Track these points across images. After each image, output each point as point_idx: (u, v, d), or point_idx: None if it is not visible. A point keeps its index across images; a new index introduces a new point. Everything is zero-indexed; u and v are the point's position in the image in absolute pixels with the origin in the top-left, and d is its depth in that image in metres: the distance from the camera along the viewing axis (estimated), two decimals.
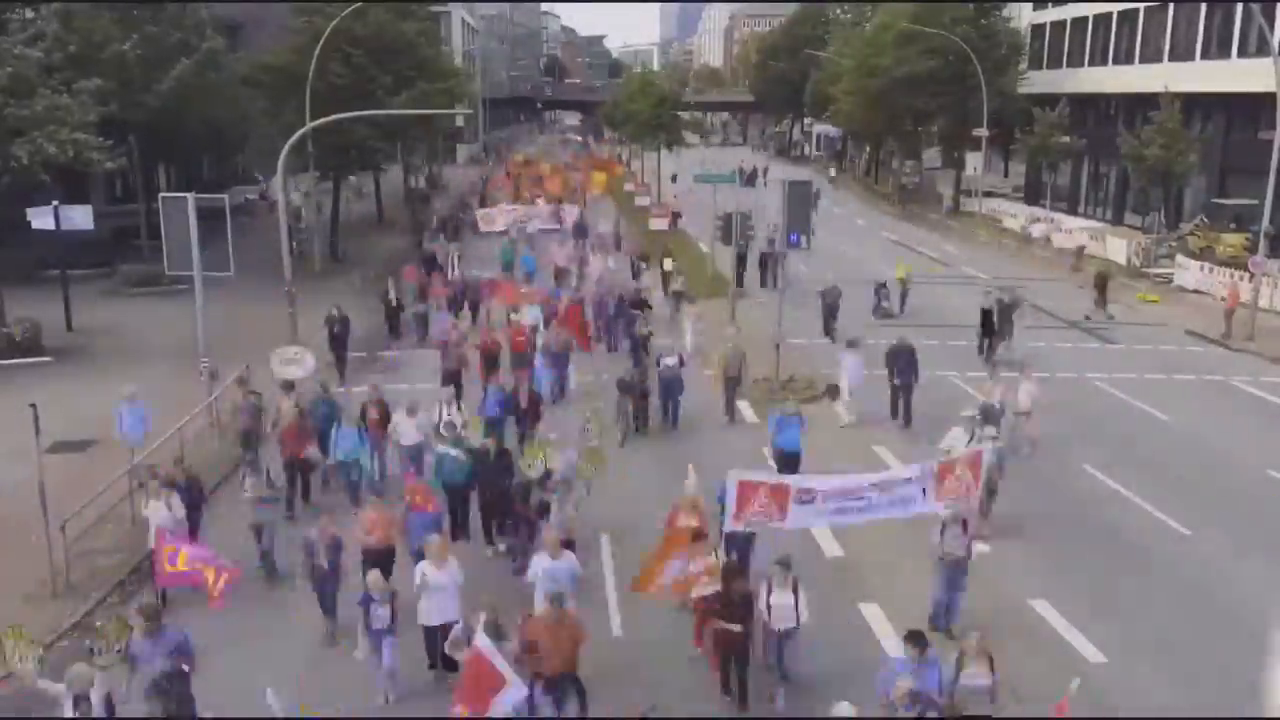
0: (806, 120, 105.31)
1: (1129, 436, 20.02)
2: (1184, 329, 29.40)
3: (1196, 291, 34.66)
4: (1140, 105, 44.54)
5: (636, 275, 33.62)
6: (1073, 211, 53.14)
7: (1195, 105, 42.43)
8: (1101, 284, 31.08)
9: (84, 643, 11.26)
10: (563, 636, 10.33)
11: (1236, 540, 15.43)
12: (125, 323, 28.74)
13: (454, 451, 15.02)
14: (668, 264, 33.05)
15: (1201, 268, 35.37)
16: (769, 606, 11.08)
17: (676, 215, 47.49)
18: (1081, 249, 40.89)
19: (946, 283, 36.64)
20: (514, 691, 9.50)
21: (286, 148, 24.42)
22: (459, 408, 17.34)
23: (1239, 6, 39.14)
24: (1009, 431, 17.83)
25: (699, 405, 21.47)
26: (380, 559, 12.60)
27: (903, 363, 20.70)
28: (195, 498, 14.43)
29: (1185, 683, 11.66)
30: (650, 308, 26.91)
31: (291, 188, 35.99)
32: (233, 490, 16.04)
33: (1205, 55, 43.02)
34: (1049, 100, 50.41)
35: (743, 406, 21.75)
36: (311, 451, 16.39)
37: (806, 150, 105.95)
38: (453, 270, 32.89)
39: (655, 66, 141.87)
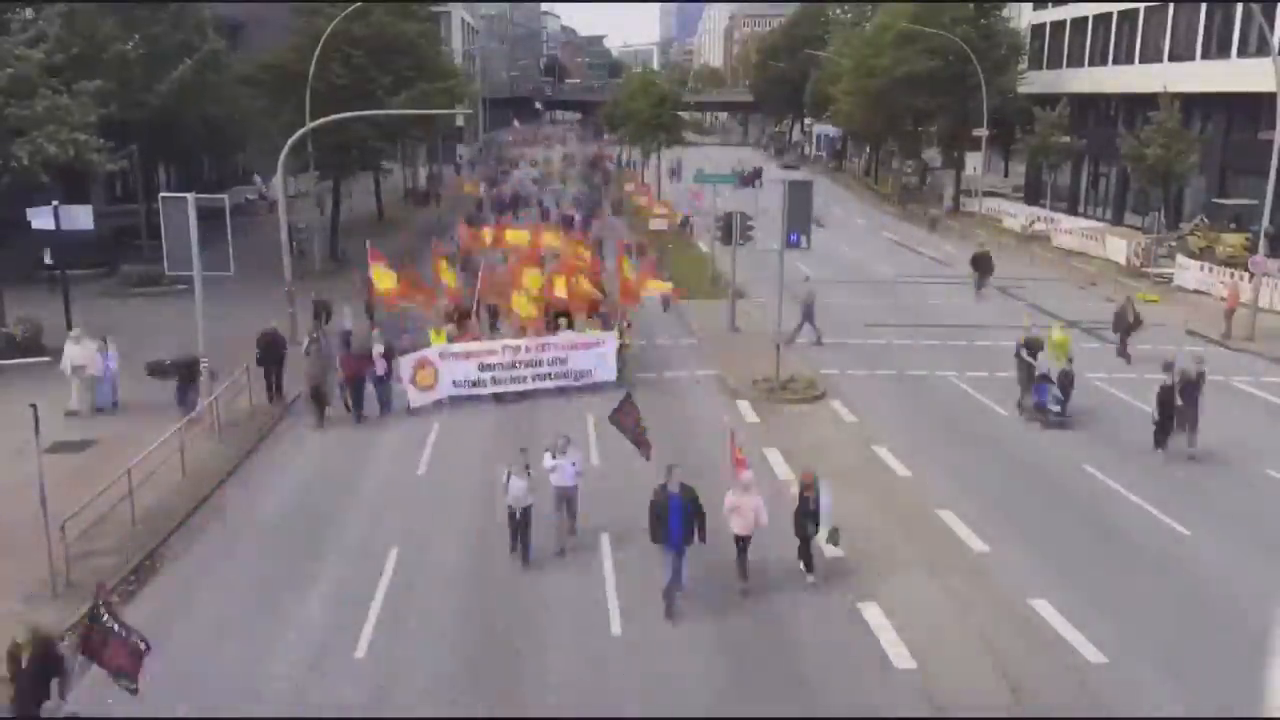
0: (806, 120, 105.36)
1: (1129, 436, 20.00)
2: (1184, 329, 29.39)
3: (1196, 291, 34.66)
4: (1140, 105, 44.55)
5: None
6: (1073, 211, 53.15)
7: (1195, 105, 42.45)
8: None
9: None
10: None
11: (1236, 540, 15.43)
12: (125, 323, 28.70)
13: None
14: None
15: (1201, 268, 35.36)
16: None
17: (687, 218, 47.48)
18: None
19: (946, 282, 36.69)
20: None
21: (286, 148, 24.43)
22: None
23: (1239, 6, 39.15)
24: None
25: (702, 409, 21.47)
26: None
27: None
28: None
29: (1185, 683, 11.65)
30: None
31: (291, 187, 36.01)
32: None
33: (1205, 55, 43.02)
34: (1049, 100, 50.41)
35: (743, 406, 21.81)
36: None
37: (806, 150, 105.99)
38: None
39: (655, 66, 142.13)
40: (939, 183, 64.57)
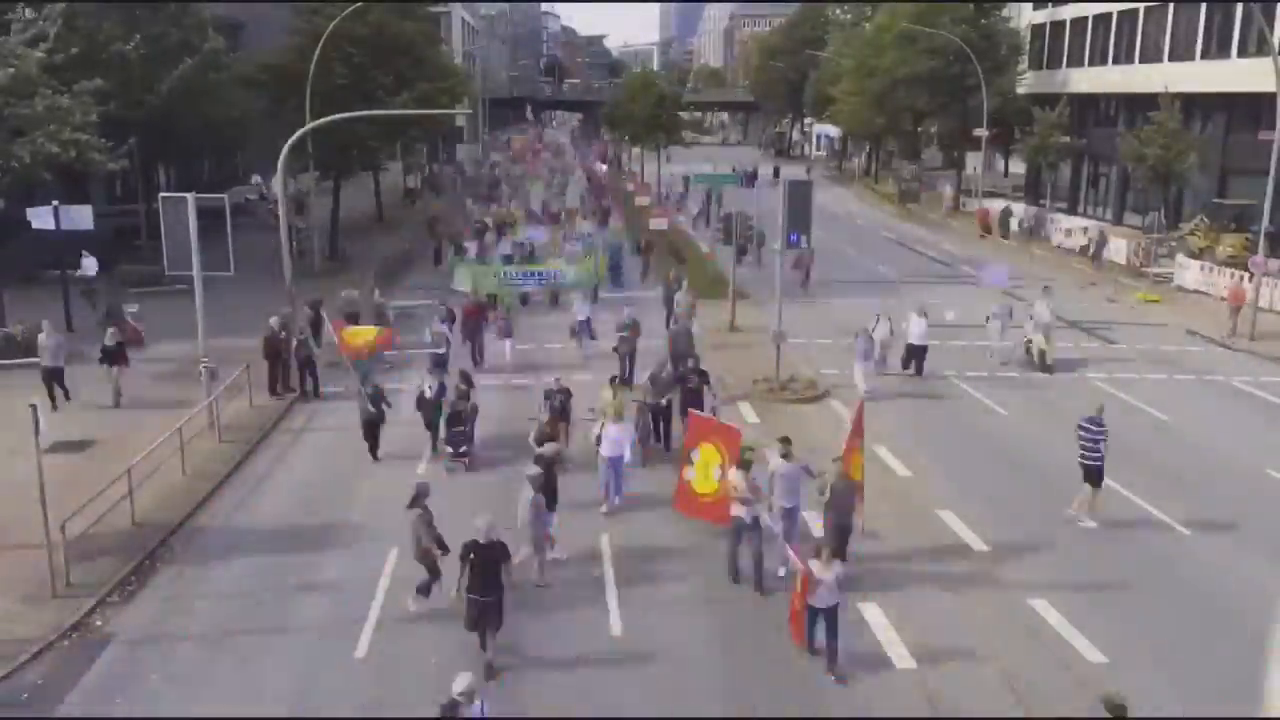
0: (806, 120, 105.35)
1: (1129, 436, 20.00)
2: (1184, 329, 29.38)
3: (1197, 291, 34.66)
4: (1140, 105, 44.51)
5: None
6: (1073, 211, 53.13)
7: (1195, 105, 42.43)
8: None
9: None
10: None
11: (1236, 540, 15.43)
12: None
13: None
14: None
15: (1201, 268, 35.37)
16: None
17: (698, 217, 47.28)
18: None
19: (947, 282, 36.66)
20: None
21: (286, 148, 24.41)
22: None
23: (1239, 6, 39.14)
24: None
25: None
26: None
27: None
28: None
29: (1185, 683, 11.66)
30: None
31: (291, 187, 35.99)
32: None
33: (1205, 55, 42.97)
34: (1049, 100, 50.39)
35: (743, 406, 21.80)
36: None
37: (806, 150, 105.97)
38: None
39: (655, 66, 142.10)
40: (927, 178, 64.31)
